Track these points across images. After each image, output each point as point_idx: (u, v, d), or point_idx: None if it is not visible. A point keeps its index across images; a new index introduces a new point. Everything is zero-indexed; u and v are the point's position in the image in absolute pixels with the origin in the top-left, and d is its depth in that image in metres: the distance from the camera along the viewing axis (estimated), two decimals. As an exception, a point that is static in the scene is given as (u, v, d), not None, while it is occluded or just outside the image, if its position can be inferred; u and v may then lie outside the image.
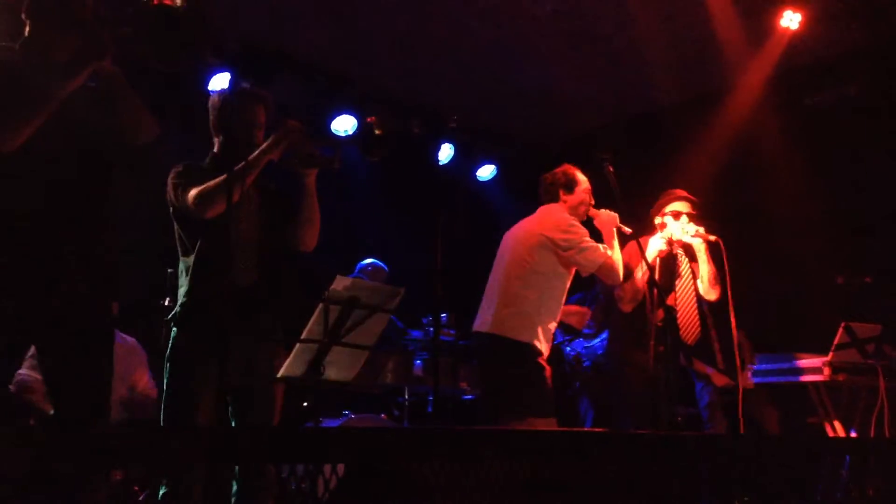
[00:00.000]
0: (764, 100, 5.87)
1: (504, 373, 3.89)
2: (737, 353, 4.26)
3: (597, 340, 6.19)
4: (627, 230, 4.14)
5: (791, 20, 5.28)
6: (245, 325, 2.95)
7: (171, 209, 3.06)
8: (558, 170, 4.25)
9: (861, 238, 5.40)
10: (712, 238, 4.35)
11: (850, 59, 5.66)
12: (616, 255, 4.05)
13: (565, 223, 4.02)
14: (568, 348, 6.18)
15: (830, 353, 4.64)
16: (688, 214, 4.48)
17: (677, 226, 4.43)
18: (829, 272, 5.27)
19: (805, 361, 4.82)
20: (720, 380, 4.81)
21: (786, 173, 5.62)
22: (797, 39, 5.44)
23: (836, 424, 4.86)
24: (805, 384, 4.88)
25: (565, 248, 3.95)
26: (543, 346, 3.94)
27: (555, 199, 4.18)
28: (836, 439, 4.56)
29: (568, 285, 4.09)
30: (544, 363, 3.92)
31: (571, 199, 4.15)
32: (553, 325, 4.03)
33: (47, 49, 2.49)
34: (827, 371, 4.62)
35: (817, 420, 4.96)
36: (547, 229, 4.01)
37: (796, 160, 5.60)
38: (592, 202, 4.21)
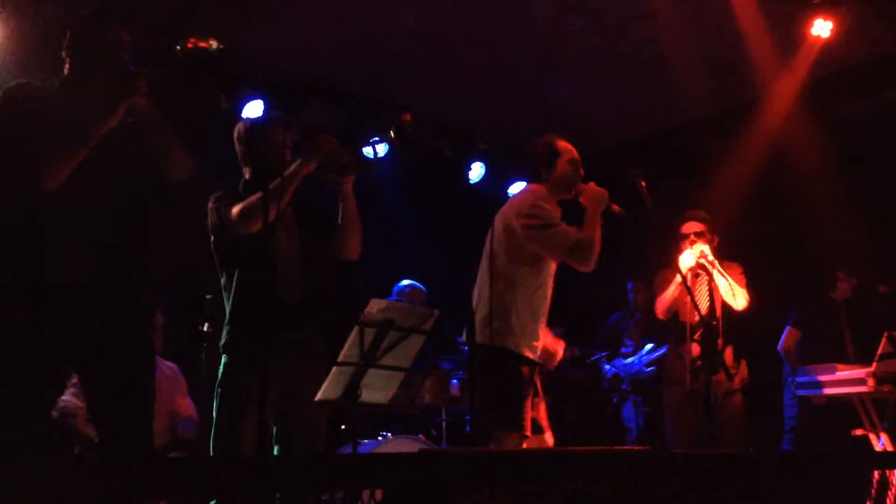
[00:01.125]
0: (797, 109, 5.81)
1: (485, 382, 3.48)
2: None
3: (634, 358, 6.16)
4: (617, 208, 3.70)
5: (822, 28, 5.21)
6: (291, 344, 2.99)
7: (211, 236, 3.11)
8: (538, 142, 3.82)
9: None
10: (710, 258, 4.39)
11: (885, 66, 5.58)
12: (592, 235, 3.54)
13: (526, 206, 3.62)
14: (607, 366, 6.15)
15: (874, 364, 4.55)
16: (695, 234, 4.51)
17: (686, 249, 4.47)
18: (871, 281, 5.18)
19: (848, 373, 4.73)
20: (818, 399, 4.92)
21: (823, 182, 5.55)
22: (829, 47, 5.37)
23: (884, 437, 4.75)
24: (849, 396, 4.80)
25: (527, 235, 3.55)
26: (528, 349, 3.56)
27: (537, 176, 3.77)
28: (885, 454, 4.46)
29: (549, 272, 3.67)
30: (524, 371, 3.53)
31: (554, 174, 3.72)
32: (535, 323, 3.62)
33: (87, 87, 2.56)
34: (871, 382, 4.53)
35: (863, 433, 4.86)
36: (509, 217, 3.62)
37: (833, 169, 5.53)
38: (582, 173, 3.75)
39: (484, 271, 3.63)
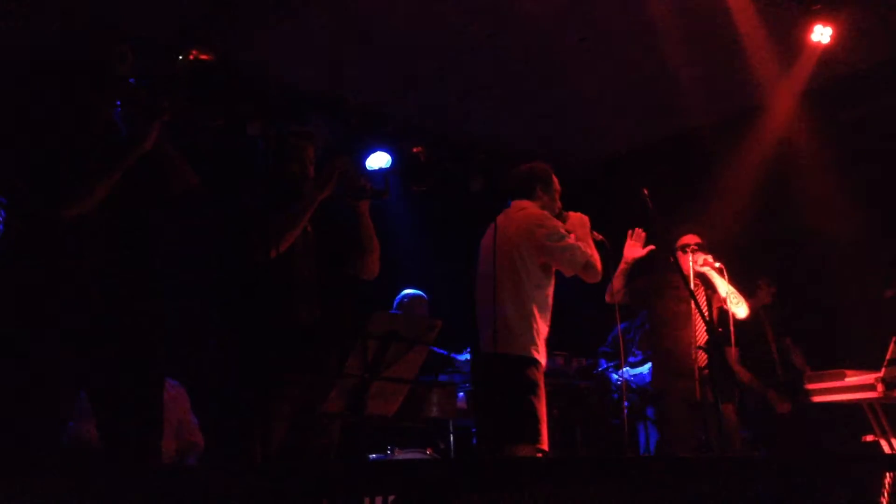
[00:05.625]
0: (799, 116, 5.82)
1: (507, 392, 3.54)
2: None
3: (644, 368, 6.12)
4: (599, 236, 3.90)
5: (822, 35, 5.22)
6: (306, 363, 2.98)
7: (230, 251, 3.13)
8: (536, 164, 3.98)
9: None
10: (717, 265, 4.57)
11: (885, 70, 5.58)
12: (594, 253, 3.78)
13: (542, 219, 3.77)
14: (615, 376, 6.10)
15: (883, 369, 4.53)
16: (696, 245, 4.69)
17: (686, 259, 4.63)
18: (877, 286, 5.17)
19: (857, 379, 4.70)
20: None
21: (826, 188, 5.54)
22: (829, 54, 5.38)
23: (894, 442, 4.72)
24: (858, 402, 4.77)
25: (547, 245, 3.69)
26: (540, 355, 3.65)
27: (530, 194, 3.89)
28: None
29: (553, 281, 3.81)
30: (540, 380, 3.59)
31: (546, 198, 3.90)
32: (547, 329, 3.74)
33: (90, 107, 2.55)
34: (880, 388, 4.52)
35: (873, 438, 4.83)
36: (530, 228, 3.73)
37: (836, 174, 5.53)
38: (561, 206, 3.96)
39: (499, 283, 3.64)
